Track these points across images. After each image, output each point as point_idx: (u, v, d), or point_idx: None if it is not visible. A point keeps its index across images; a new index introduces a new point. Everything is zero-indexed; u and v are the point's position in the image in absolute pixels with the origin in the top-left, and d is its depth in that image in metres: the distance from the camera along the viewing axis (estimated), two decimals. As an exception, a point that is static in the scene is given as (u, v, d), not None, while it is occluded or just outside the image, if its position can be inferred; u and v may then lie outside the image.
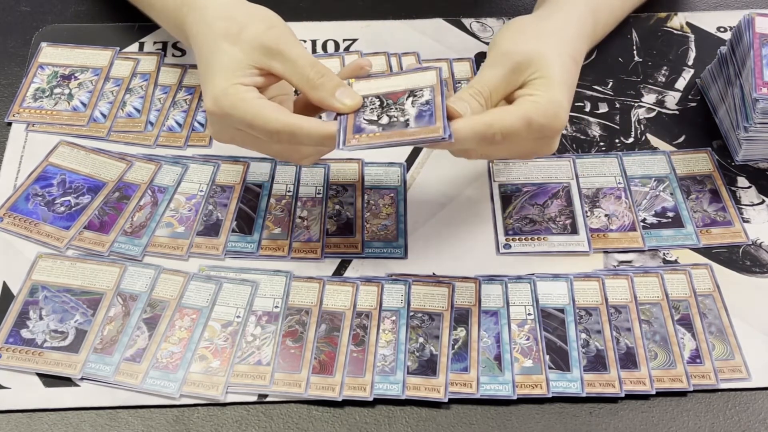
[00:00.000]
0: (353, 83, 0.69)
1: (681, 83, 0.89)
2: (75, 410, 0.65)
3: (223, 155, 0.81)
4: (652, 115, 0.86)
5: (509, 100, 0.69)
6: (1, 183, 0.78)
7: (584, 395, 0.66)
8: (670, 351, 0.69)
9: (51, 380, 0.66)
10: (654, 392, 0.67)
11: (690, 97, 0.88)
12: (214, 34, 0.69)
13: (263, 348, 0.68)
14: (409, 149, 0.82)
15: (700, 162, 0.82)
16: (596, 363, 0.68)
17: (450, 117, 0.65)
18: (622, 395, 0.66)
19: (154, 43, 0.90)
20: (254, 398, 0.66)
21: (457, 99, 0.67)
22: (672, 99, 0.87)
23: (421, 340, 0.69)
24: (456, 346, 0.69)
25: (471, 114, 0.66)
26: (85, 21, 0.92)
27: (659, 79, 0.89)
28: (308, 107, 0.70)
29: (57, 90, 0.85)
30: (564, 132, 0.84)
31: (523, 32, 0.73)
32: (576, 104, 0.86)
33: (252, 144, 0.69)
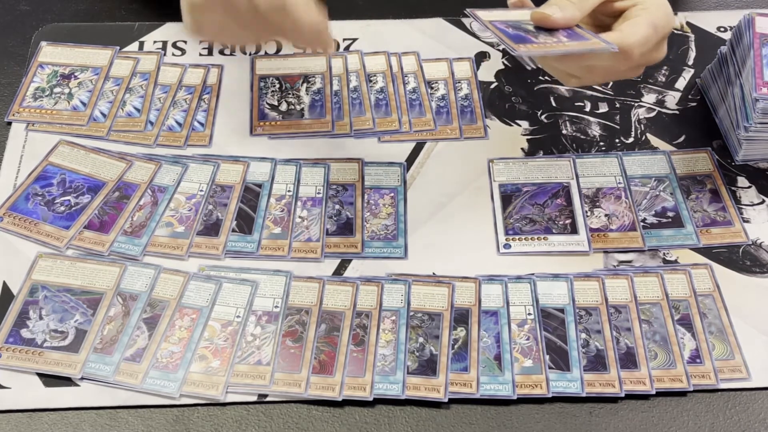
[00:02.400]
0: (477, 12, 0.71)
1: (681, 83, 0.89)
2: (75, 410, 0.65)
3: (223, 155, 0.81)
4: (652, 114, 0.86)
5: (606, 11, 0.71)
6: (1, 182, 0.78)
7: (584, 395, 0.66)
8: (670, 351, 0.69)
9: (51, 380, 0.66)
10: (654, 392, 0.67)
11: (690, 96, 0.88)
12: None
13: (263, 348, 0.68)
14: (409, 149, 0.82)
15: (700, 162, 0.82)
16: (596, 363, 0.68)
17: (539, 22, 0.68)
18: (622, 395, 0.66)
19: (154, 42, 0.90)
20: (254, 398, 0.66)
21: (546, 4, 0.69)
22: (672, 99, 0.87)
23: (421, 339, 0.69)
24: (456, 346, 0.69)
25: (560, 10, 0.69)
26: (85, 20, 0.92)
27: (659, 79, 0.89)
28: None
29: (57, 89, 0.85)
30: (564, 132, 0.84)
31: None
32: (576, 104, 0.86)
33: (235, 29, 0.67)
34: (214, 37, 0.69)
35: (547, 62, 0.72)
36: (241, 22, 0.67)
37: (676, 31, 0.93)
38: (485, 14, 0.71)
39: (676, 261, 0.75)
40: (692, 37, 0.92)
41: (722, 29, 0.93)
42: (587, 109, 0.86)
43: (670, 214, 0.78)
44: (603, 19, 0.73)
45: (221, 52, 0.89)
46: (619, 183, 0.80)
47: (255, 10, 0.65)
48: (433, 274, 0.73)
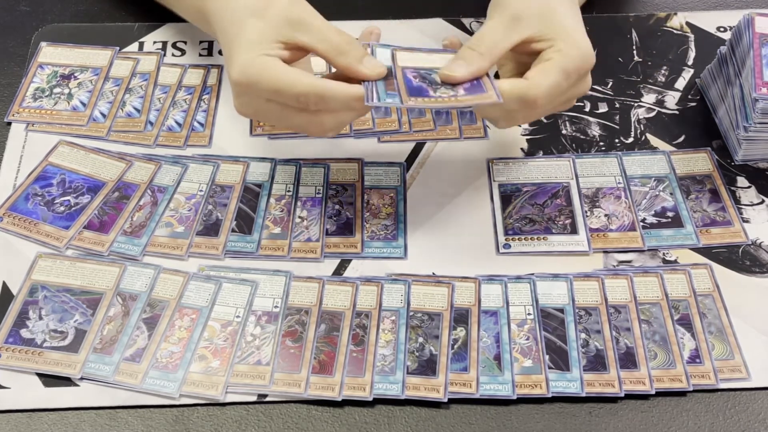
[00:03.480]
0: (376, 49, 0.71)
1: (681, 83, 0.89)
2: (75, 410, 0.65)
3: (223, 155, 0.81)
4: (652, 115, 0.86)
5: (523, 51, 0.70)
6: (0, 183, 0.78)
7: (584, 395, 0.66)
8: (669, 351, 0.69)
9: (51, 380, 0.66)
10: (654, 392, 0.67)
11: (690, 97, 0.88)
12: (240, 11, 0.70)
13: (263, 348, 0.68)
14: (409, 149, 0.82)
15: (700, 162, 0.82)
16: (596, 363, 0.68)
17: (445, 80, 0.68)
18: (622, 395, 0.66)
19: (154, 42, 0.90)
20: (254, 398, 0.66)
21: (454, 59, 0.69)
22: (672, 99, 0.87)
23: (420, 340, 0.69)
24: (456, 346, 0.69)
25: (466, 66, 0.68)
26: (85, 21, 0.92)
27: (659, 79, 0.89)
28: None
29: (57, 90, 0.85)
30: (564, 132, 0.84)
31: None
32: (576, 104, 0.86)
33: (276, 115, 0.69)
34: (258, 117, 0.71)
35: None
36: (278, 113, 0.68)
37: (675, 31, 0.93)
38: (406, 57, 0.70)
39: (675, 261, 0.75)
40: (692, 37, 0.92)
41: (722, 29, 0.93)
42: (587, 109, 0.86)
43: (670, 214, 0.78)
44: (524, 59, 0.71)
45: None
46: (619, 183, 0.80)
47: (301, 103, 0.66)
48: (433, 274, 0.73)
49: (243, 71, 0.67)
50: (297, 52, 0.69)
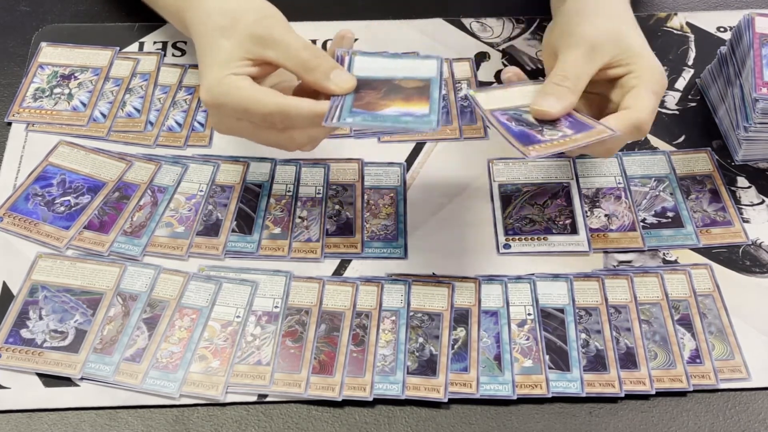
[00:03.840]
0: (355, 59, 0.69)
1: (681, 83, 0.89)
2: (75, 410, 0.65)
3: (223, 155, 0.81)
4: (652, 115, 0.86)
5: (599, 78, 0.71)
6: (1, 183, 0.78)
7: (584, 395, 0.66)
8: (669, 351, 0.69)
9: (51, 380, 0.66)
10: (654, 392, 0.67)
11: (690, 97, 0.88)
12: (211, 28, 0.70)
13: (263, 348, 0.68)
14: (409, 149, 0.82)
15: (700, 162, 0.82)
16: (596, 363, 0.68)
17: (539, 117, 0.67)
18: (622, 395, 0.66)
19: (154, 43, 0.90)
20: (254, 398, 0.66)
21: (541, 95, 0.69)
22: (672, 99, 0.87)
23: (420, 340, 0.69)
24: (456, 346, 0.69)
25: (558, 101, 0.68)
26: (85, 21, 0.92)
27: (659, 79, 0.89)
28: (306, 94, 0.69)
29: (57, 90, 0.85)
30: (564, 132, 0.84)
31: (580, 13, 0.74)
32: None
33: (250, 133, 0.69)
34: (233, 134, 0.71)
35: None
36: (251, 130, 0.68)
37: (675, 32, 0.93)
38: (484, 99, 0.70)
39: (676, 261, 0.75)
40: (692, 37, 0.92)
41: (722, 29, 0.93)
42: (587, 109, 0.86)
43: (670, 214, 0.78)
44: (589, 87, 0.71)
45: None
46: (619, 183, 0.80)
47: (268, 122, 0.66)
48: (433, 274, 0.73)
49: (209, 92, 0.67)
50: (267, 68, 0.69)
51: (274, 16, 0.70)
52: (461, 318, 0.70)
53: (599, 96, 0.72)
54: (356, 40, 0.89)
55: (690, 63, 0.90)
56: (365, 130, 0.67)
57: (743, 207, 0.79)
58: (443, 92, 0.65)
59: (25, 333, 0.69)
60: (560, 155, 0.81)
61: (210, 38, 0.70)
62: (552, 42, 0.74)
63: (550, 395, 0.66)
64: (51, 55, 0.88)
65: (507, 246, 0.75)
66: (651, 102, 0.69)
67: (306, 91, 0.68)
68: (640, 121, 0.68)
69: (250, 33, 0.68)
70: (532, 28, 0.93)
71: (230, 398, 0.66)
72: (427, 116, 0.64)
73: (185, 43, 0.90)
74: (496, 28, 0.93)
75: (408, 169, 0.81)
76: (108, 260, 0.73)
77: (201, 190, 0.78)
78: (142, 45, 0.89)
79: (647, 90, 0.69)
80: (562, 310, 0.71)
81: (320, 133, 0.68)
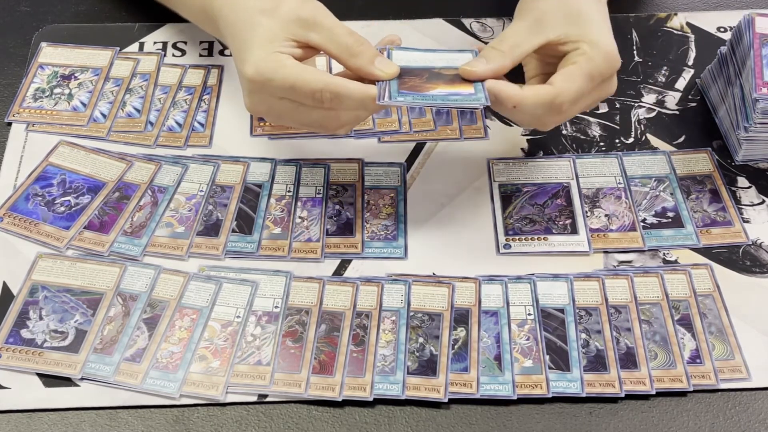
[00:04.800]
0: (393, 52, 0.71)
1: (681, 83, 0.89)
2: (75, 410, 0.65)
3: (223, 155, 0.81)
4: (652, 115, 0.86)
5: (548, 53, 0.71)
6: (1, 183, 0.78)
7: (584, 395, 0.66)
8: (670, 351, 0.69)
9: (51, 380, 0.66)
10: (654, 392, 0.67)
11: (690, 97, 0.88)
12: (250, 10, 0.70)
13: (263, 348, 0.68)
14: (409, 149, 0.82)
15: (700, 162, 0.82)
16: (596, 363, 0.68)
17: (465, 76, 0.68)
18: (622, 395, 0.66)
19: (154, 43, 0.90)
20: (254, 398, 0.66)
21: (477, 57, 0.70)
22: (672, 99, 0.87)
23: (421, 340, 0.69)
24: (456, 346, 0.69)
25: (486, 63, 0.68)
26: (85, 21, 0.92)
27: (659, 79, 0.89)
28: None
29: (57, 90, 0.85)
30: (564, 132, 0.84)
31: None
32: (576, 104, 0.86)
33: (290, 113, 0.69)
34: (269, 116, 0.72)
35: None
36: (292, 110, 0.68)
37: (675, 32, 0.93)
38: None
39: (676, 261, 0.75)
40: (692, 37, 0.92)
41: (722, 29, 0.93)
42: (587, 109, 0.86)
43: (670, 214, 0.78)
44: (549, 60, 0.72)
45: (221, 53, 0.89)
46: (619, 183, 0.80)
47: (316, 100, 0.66)
48: (433, 274, 0.73)
49: (257, 68, 0.66)
50: (309, 51, 0.69)
51: (316, 0, 0.71)
52: (461, 318, 0.70)
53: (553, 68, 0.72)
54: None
55: (690, 63, 0.90)
56: (415, 106, 0.69)
57: (743, 207, 0.79)
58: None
59: (25, 333, 0.69)
60: (561, 155, 0.82)
61: (251, 19, 0.69)
62: (514, 14, 0.74)
63: (550, 395, 0.66)
64: (51, 55, 0.88)
65: (507, 246, 0.75)
66: (577, 83, 0.68)
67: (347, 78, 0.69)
68: (554, 101, 0.67)
69: (296, 15, 0.68)
70: (532, 28, 0.93)
71: (230, 398, 0.66)
72: (474, 95, 0.67)
73: (185, 43, 0.90)
74: (496, 28, 0.93)
75: (408, 169, 0.81)
76: (108, 260, 0.73)
77: (201, 190, 0.78)
78: (142, 45, 0.89)
79: (582, 71, 0.68)
80: (562, 310, 0.71)
81: (363, 115, 0.70)
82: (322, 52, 0.70)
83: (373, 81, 0.68)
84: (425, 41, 0.90)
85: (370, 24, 0.92)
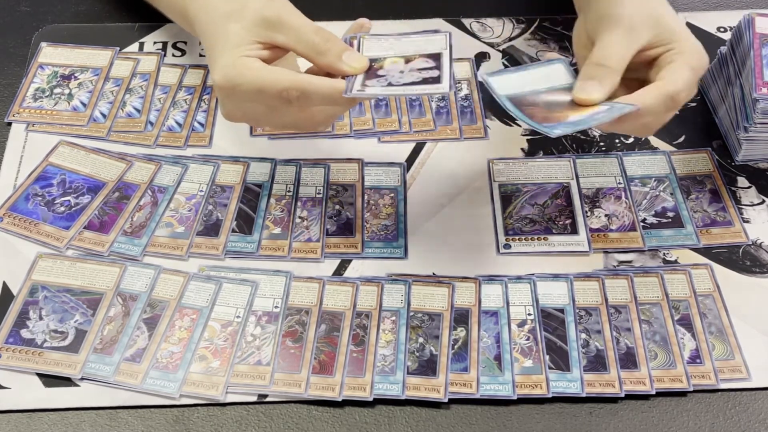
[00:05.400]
0: (363, 41, 0.70)
1: (681, 83, 0.88)
2: (75, 410, 0.65)
3: (223, 155, 0.81)
4: (652, 115, 0.86)
5: (639, 60, 0.70)
6: (1, 183, 0.78)
7: (584, 395, 0.66)
8: (670, 351, 0.69)
9: (51, 380, 0.66)
10: (654, 392, 0.67)
11: (690, 97, 0.87)
12: (218, 15, 0.70)
13: (263, 348, 0.68)
14: (409, 149, 0.82)
15: (700, 162, 0.82)
16: (596, 363, 0.68)
17: (581, 104, 0.67)
18: (622, 395, 0.66)
19: (154, 43, 0.90)
20: (254, 398, 0.66)
21: (583, 79, 0.68)
22: (672, 99, 0.87)
23: (421, 340, 0.69)
24: (456, 346, 0.69)
25: (600, 84, 0.67)
26: (85, 21, 0.92)
27: (659, 79, 0.89)
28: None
29: (57, 90, 0.85)
30: (564, 132, 0.84)
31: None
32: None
33: (264, 115, 0.68)
34: (247, 120, 0.71)
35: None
36: (266, 113, 0.68)
37: (676, 32, 0.93)
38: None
39: (676, 261, 0.75)
40: (692, 37, 0.92)
41: (722, 29, 0.93)
42: (587, 109, 0.86)
43: (670, 214, 0.78)
44: (630, 73, 0.70)
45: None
46: (619, 183, 0.80)
47: (284, 99, 0.66)
48: (433, 274, 0.73)
49: (225, 75, 0.66)
50: (276, 51, 0.69)
51: (282, 0, 0.70)
52: (461, 318, 0.70)
53: (638, 81, 0.71)
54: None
55: (690, 63, 0.90)
56: (383, 97, 0.68)
57: (743, 207, 0.79)
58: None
59: (25, 333, 0.69)
60: (561, 155, 0.81)
61: (218, 24, 0.69)
62: (587, 30, 0.73)
63: (550, 395, 0.66)
64: (51, 55, 0.88)
65: (507, 246, 0.75)
66: (685, 73, 0.68)
67: (316, 75, 0.69)
68: (671, 91, 0.67)
69: (260, 17, 0.68)
70: (533, 29, 0.93)
71: (230, 398, 0.66)
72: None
73: (185, 43, 0.90)
74: (496, 28, 0.93)
75: (408, 169, 0.81)
76: (108, 260, 0.73)
77: (201, 190, 0.78)
78: (142, 45, 0.89)
79: (683, 63, 0.68)
80: (562, 310, 0.71)
81: (338, 111, 0.69)
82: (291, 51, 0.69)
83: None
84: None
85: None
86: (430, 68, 0.67)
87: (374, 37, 0.70)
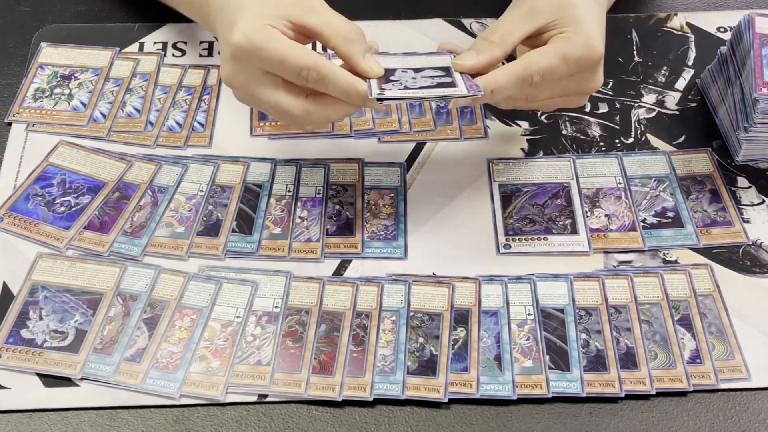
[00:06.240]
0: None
1: (681, 83, 0.89)
2: (75, 410, 0.65)
3: (223, 155, 0.81)
4: (652, 115, 0.86)
5: (538, 44, 0.70)
6: (1, 183, 0.78)
7: (584, 395, 0.66)
8: (670, 351, 0.69)
9: (51, 380, 0.66)
10: (654, 392, 0.67)
11: (690, 97, 0.88)
12: None
13: (263, 348, 0.68)
14: (409, 149, 0.82)
15: (700, 162, 0.82)
16: (596, 363, 0.68)
17: (456, 70, 0.68)
18: (622, 395, 0.66)
19: (154, 43, 0.90)
20: (254, 398, 0.66)
21: (468, 50, 0.69)
22: (672, 99, 0.87)
23: (421, 340, 0.69)
24: (456, 346, 0.69)
25: (477, 56, 0.68)
26: (85, 21, 0.92)
27: (659, 79, 0.89)
28: None
29: (57, 90, 0.85)
30: (564, 132, 0.84)
31: None
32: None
33: (268, 91, 0.67)
34: (245, 91, 0.68)
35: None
36: (270, 90, 0.67)
37: (675, 32, 0.93)
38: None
39: (676, 261, 0.75)
40: (692, 37, 0.92)
41: (722, 29, 0.93)
42: (587, 109, 0.86)
43: (670, 214, 0.78)
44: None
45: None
46: (619, 183, 0.80)
47: (301, 78, 0.65)
48: (433, 274, 0.73)
49: (247, 35, 0.64)
50: (301, 38, 0.68)
51: None
52: (461, 318, 0.70)
53: None
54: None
55: (690, 63, 0.90)
56: (404, 101, 0.69)
57: (743, 207, 0.79)
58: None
59: (25, 333, 0.69)
60: (561, 155, 0.82)
61: None
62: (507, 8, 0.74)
63: (550, 395, 0.66)
64: (51, 55, 0.88)
65: (507, 246, 0.75)
66: (548, 58, 0.67)
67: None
68: (519, 75, 0.67)
69: None
70: (532, 29, 0.93)
71: (230, 398, 0.66)
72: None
73: (185, 43, 0.90)
74: (496, 29, 0.92)
75: (408, 169, 0.81)
76: (108, 260, 0.73)
77: (201, 190, 0.78)
78: (142, 45, 0.89)
79: (555, 49, 0.68)
80: (562, 310, 0.71)
81: (339, 114, 0.68)
82: (314, 39, 0.69)
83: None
84: (425, 41, 0.90)
85: (369, 24, 0.92)
86: (440, 76, 0.68)
87: (381, 55, 0.71)
